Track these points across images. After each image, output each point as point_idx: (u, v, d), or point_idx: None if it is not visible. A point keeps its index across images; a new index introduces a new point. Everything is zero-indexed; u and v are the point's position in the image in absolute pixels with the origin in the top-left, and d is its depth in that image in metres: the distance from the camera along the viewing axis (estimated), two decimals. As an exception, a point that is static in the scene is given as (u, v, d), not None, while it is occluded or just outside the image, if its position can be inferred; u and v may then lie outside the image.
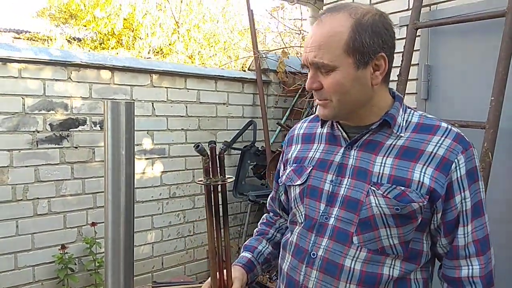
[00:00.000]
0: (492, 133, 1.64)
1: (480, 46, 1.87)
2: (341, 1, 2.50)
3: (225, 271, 1.08)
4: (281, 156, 1.21)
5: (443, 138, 0.94)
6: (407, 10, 2.10)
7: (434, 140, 0.94)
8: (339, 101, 0.94)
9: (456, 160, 0.92)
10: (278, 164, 1.22)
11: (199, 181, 1.02)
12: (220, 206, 1.05)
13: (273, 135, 3.56)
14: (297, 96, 3.67)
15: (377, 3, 2.25)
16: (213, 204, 1.03)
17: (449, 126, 0.97)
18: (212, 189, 1.02)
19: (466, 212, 0.94)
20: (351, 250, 0.95)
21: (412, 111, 1.02)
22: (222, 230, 1.06)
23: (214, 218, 1.04)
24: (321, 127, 1.10)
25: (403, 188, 0.92)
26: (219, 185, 1.02)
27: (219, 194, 1.04)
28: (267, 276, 3.21)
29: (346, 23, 0.91)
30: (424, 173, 0.92)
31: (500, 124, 1.65)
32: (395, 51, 0.99)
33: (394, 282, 0.95)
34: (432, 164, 0.92)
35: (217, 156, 1.01)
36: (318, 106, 0.99)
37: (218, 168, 1.02)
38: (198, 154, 0.99)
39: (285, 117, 3.65)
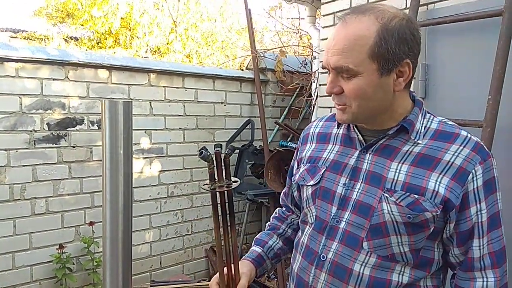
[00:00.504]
0: (489, 132, 1.64)
1: (478, 45, 1.87)
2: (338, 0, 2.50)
3: (232, 265, 1.08)
4: (295, 153, 1.20)
5: (461, 148, 0.92)
6: (405, 9, 2.11)
7: (452, 149, 0.92)
8: (359, 106, 0.92)
9: (473, 170, 0.90)
10: (292, 161, 1.22)
11: (204, 184, 1.01)
12: (226, 204, 1.05)
13: (271, 134, 3.56)
14: (295, 95, 3.67)
15: (375, 2, 2.26)
16: (219, 204, 1.03)
17: (469, 135, 0.94)
18: (218, 193, 1.02)
19: (482, 224, 0.92)
20: (361, 255, 0.95)
21: (432, 116, 1.00)
22: (229, 228, 1.06)
23: (221, 218, 1.04)
24: (337, 128, 1.08)
25: (417, 196, 0.90)
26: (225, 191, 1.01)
27: (225, 195, 1.03)
28: (266, 275, 3.22)
29: (372, 27, 0.88)
30: (440, 182, 0.90)
31: (497, 122, 1.65)
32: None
33: None
34: (449, 173, 0.90)
35: (222, 161, 1.00)
36: (336, 110, 0.98)
37: (224, 172, 1.01)
38: (196, 154, 0.98)
39: (283, 116, 3.65)
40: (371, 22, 0.88)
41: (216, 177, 1.00)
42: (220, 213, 1.04)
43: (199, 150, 0.95)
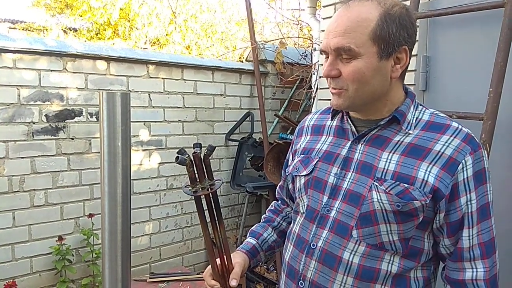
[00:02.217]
0: (490, 125, 1.63)
1: (479, 37, 1.86)
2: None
3: (225, 257, 1.09)
4: (290, 146, 1.22)
5: (452, 138, 0.93)
6: (406, 0, 2.09)
7: (442, 139, 0.93)
8: (356, 90, 0.93)
9: (463, 161, 0.91)
10: (288, 154, 1.23)
11: (185, 186, 1.00)
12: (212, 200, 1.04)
13: (270, 126, 3.55)
14: (294, 87, 3.66)
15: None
16: (204, 204, 1.02)
17: (460, 126, 0.95)
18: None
19: (472, 214, 0.92)
20: (350, 244, 0.95)
21: (424, 108, 1.01)
22: (217, 224, 1.06)
23: (208, 216, 1.04)
24: (331, 120, 1.10)
25: (406, 185, 0.91)
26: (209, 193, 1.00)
27: (210, 196, 1.03)
28: (265, 267, 3.23)
29: (374, 11, 0.90)
30: (429, 171, 0.91)
31: (498, 115, 1.64)
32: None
33: (393, 279, 0.95)
34: (438, 163, 0.91)
35: (202, 162, 0.98)
36: (332, 95, 0.98)
37: (205, 172, 0.99)
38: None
39: (282, 109, 3.64)
40: (374, 6, 0.91)
41: (198, 179, 0.98)
42: (206, 207, 1.03)
43: (176, 156, 0.93)
